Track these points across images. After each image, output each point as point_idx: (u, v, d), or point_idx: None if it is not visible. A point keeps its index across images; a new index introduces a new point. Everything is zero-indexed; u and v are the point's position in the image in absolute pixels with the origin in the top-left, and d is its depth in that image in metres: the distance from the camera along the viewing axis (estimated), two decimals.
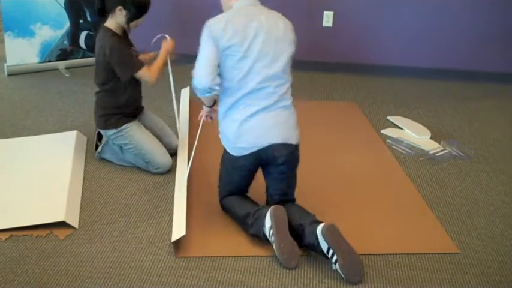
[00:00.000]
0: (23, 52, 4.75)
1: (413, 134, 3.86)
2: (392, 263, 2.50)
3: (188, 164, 3.06)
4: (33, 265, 2.37)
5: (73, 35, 4.94)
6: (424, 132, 3.90)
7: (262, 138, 2.55)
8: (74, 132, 3.53)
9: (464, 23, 5.12)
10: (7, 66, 4.71)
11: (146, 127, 3.27)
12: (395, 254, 2.55)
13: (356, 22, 5.18)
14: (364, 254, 2.51)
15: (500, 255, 2.58)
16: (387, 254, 2.55)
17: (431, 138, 3.82)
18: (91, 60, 4.90)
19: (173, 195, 2.94)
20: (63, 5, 4.81)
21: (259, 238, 2.55)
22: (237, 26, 2.51)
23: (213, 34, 2.50)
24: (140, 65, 3.04)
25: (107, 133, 3.18)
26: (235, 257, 2.49)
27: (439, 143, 3.74)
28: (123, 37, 3.11)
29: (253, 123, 2.55)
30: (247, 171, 2.68)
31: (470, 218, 2.88)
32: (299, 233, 2.48)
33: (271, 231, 2.43)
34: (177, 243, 2.50)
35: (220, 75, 2.56)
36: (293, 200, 2.73)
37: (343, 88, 4.88)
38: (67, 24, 4.88)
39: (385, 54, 5.28)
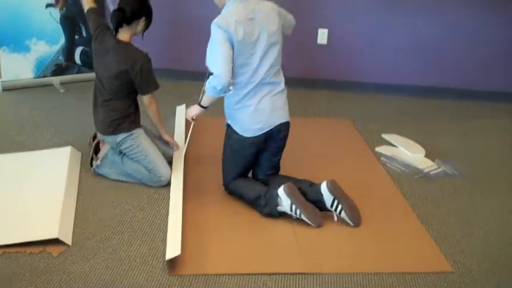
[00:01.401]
0: (18, 67, 4.75)
1: (407, 151, 3.87)
2: (387, 282, 2.49)
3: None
4: (26, 282, 2.35)
5: (68, 51, 4.95)
6: (419, 150, 3.90)
7: (273, 119, 2.95)
8: (68, 148, 3.52)
9: (459, 42, 5.16)
10: (2, 81, 4.71)
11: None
12: (390, 273, 2.54)
13: (350, 40, 5.21)
14: (358, 273, 2.51)
15: (495, 274, 2.58)
16: (381, 273, 2.54)
17: (425, 156, 3.83)
18: (86, 75, 4.93)
19: (167, 212, 2.93)
20: (58, 21, 4.82)
21: (273, 217, 2.90)
22: (244, 25, 2.75)
23: (226, 35, 2.73)
24: (158, 85, 3.21)
25: (117, 139, 3.19)
26: (229, 275, 2.48)
27: (434, 161, 3.75)
28: None
29: (264, 108, 2.91)
30: (256, 148, 3.01)
31: (464, 237, 2.88)
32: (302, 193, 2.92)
33: (293, 206, 2.81)
34: (171, 261, 2.49)
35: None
36: (279, 171, 3.18)
37: (337, 105, 4.90)
38: (62, 40, 4.89)
39: (380, 72, 5.30)
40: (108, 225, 2.82)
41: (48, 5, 4.74)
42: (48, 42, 4.82)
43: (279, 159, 3.15)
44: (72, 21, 4.90)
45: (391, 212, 3.10)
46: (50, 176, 3.21)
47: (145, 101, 3.20)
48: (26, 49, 4.73)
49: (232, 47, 2.75)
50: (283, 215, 2.91)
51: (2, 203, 2.94)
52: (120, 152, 3.25)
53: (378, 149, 3.92)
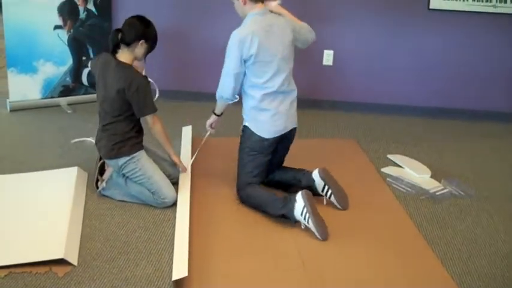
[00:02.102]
0: (26, 88, 4.79)
1: (413, 172, 3.86)
2: None
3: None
4: None
5: (76, 72, 5.00)
6: (424, 170, 3.90)
7: (288, 123, 3.29)
8: (75, 168, 3.54)
9: (465, 62, 5.19)
10: (10, 102, 4.75)
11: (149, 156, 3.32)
12: None
13: (356, 61, 5.24)
14: None
15: None
16: None
17: (431, 176, 3.82)
18: (93, 96, 4.93)
19: (173, 233, 2.93)
20: (66, 42, 4.87)
21: (286, 218, 3.05)
22: (260, 36, 3.08)
23: (241, 48, 3.07)
24: (155, 108, 3.19)
25: (118, 162, 3.19)
26: None
27: (439, 181, 3.74)
28: None
29: (282, 113, 3.24)
30: (273, 148, 3.30)
31: (471, 258, 2.87)
32: (296, 182, 3.36)
33: (305, 209, 2.95)
34: (178, 281, 2.49)
35: (246, 76, 3.18)
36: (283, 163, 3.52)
37: (343, 126, 4.91)
38: (70, 61, 4.94)
39: (385, 93, 5.32)
40: (113, 245, 2.82)
41: (56, 27, 4.80)
42: (55, 64, 4.87)
43: (285, 155, 3.49)
44: (79, 43, 4.96)
45: (397, 232, 3.08)
46: (56, 196, 3.22)
47: (148, 121, 3.20)
48: (34, 70, 4.78)
49: (246, 59, 3.10)
50: (291, 224, 3.05)
51: (9, 223, 2.94)
52: (124, 175, 3.26)
53: (384, 170, 3.91)
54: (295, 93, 3.34)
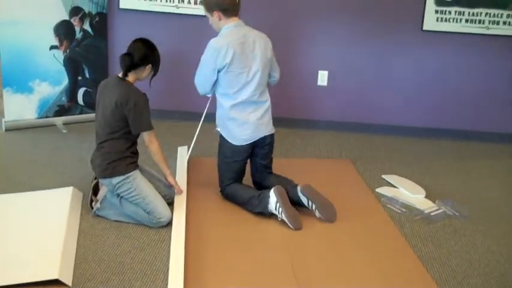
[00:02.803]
0: (21, 108, 4.80)
1: (408, 192, 3.88)
2: None
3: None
4: None
5: (71, 92, 5.01)
6: (419, 191, 3.91)
7: (257, 132, 3.45)
8: (70, 188, 3.53)
9: (457, 84, 5.24)
10: (5, 121, 4.75)
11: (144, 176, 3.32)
12: None
13: (350, 81, 5.27)
14: None
15: None
16: None
17: (425, 197, 3.83)
18: (89, 116, 4.98)
19: (168, 253, 2.92)
20: (62, 62, 4.89)
21: (264, 215, 3.33)
22: (235, 48, 3.26)
23: (215, 57, 3.26)
24: (152, 126, 3.22)
25: (113, 181, 3.19)
26: None
27: (434, 202, 3.75)
28: None
29: (250, 122, 3.41)
30: (245, 155, 3.51)
31: (466, 279, 2.87)
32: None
33: (278, 204, 3.22)
34: None
35: (218, 83, 3.38)
36: (271, 172, 3.65)
37: (337, 146, 4.93)
38: (65, 81, 4.95)
39: (379, 113, 5.35)
40: (108, 266, 2.81)
41: (52, 47, 4.82)
42: (51, 83, 4.88)
43: (270, 161, 3.64)
44: (75, 62, 4.98)
45: (392, 253, 3.09)
46: (51, 216, 3.21)
47: (145, 139, 3.22)
48: (30, 90, 4.79)
49: (219, 68, 3.29)
50: (272, 217, 3.32)
51: (3, 243, 2.93)
52: (118, 195, 3.26)
53: (378, 190, 3.92)
54: (268, 103, 3.49)
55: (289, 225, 3.22)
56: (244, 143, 3.44)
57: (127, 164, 3.20)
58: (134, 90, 3.15)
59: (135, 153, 3.30)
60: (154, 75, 3.30)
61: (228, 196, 3.55)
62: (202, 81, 3.42)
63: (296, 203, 3.36)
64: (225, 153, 3.51)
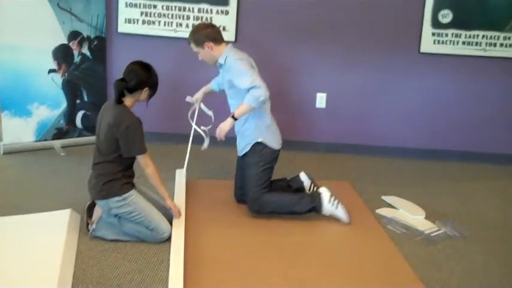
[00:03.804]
0: (20, 131, 4.79)
1: (408, 213, 3.86)
2: None
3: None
4: None
5: (70, 115, 5.01)
6: (419, 211, 3.90)
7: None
8: (68, 211, 3.51)
9: (456, 105, 5.26)
10: (3, 144, 4.74)
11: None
12: None
13: (348, 103, 5.29)
14: None
15: None
16: None
17: (426, 218, 3.81)
18: (87, 139, 4.98)
19: (167, 275, 2.89)
20: (60, 86, 4.90)
21: (315, 211, 3.57)
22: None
23: (247, 64, 3.40)
24: (145, 149, 3.18)
25: (109, 203, 3.17)
26: None
27: (434, 222, 3.73)
28: None
29: (275, 123, 3.69)
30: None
31: None
32: (287, 189, 3.84)
33: (332, 197, 3.58)
34: None
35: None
36: None
37: (336, 168, 4.92)
38: (64, 104, 4.96)
39: (378, 135, 5.36)
40: None
41: (50, 71, 4.83)
42: (49, 107, 4.88)
43: None
44: (74, 86, 4.99)
45: (392, 274, 3.06)
46: (48, 239, 3.19)
47: (140, 163, 3.21)
48: (28, 113, 4.79)
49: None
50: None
51: (0, 266, 2.90)
52: (116, 215, 3.23)
53: (378, 211, 3.91)
54: None
55: (343, 217, 3.56)
56: (280, 147, 3.66)
57: (121, 185, 3.18)
58: (128, 114, 3.14)
59: (131, 176, 3.29)
60: (151, 95, 3.29)
61: (265, 204, 3.55)
62: (261, 82, 3.35)
63: (298, 189, 3.81)
64: (266, 160, 3.57)
